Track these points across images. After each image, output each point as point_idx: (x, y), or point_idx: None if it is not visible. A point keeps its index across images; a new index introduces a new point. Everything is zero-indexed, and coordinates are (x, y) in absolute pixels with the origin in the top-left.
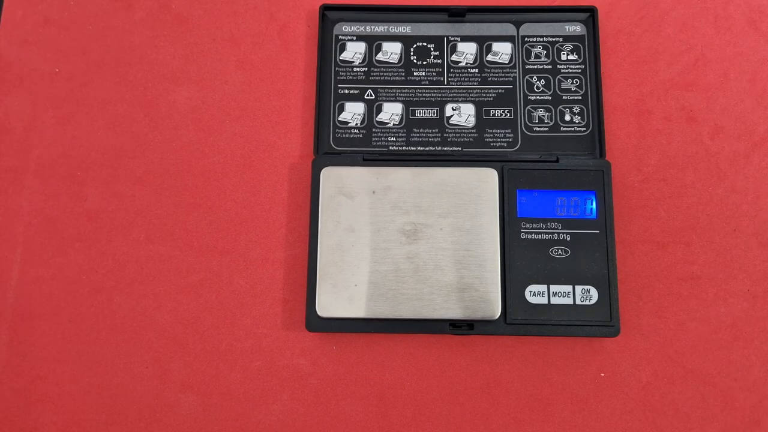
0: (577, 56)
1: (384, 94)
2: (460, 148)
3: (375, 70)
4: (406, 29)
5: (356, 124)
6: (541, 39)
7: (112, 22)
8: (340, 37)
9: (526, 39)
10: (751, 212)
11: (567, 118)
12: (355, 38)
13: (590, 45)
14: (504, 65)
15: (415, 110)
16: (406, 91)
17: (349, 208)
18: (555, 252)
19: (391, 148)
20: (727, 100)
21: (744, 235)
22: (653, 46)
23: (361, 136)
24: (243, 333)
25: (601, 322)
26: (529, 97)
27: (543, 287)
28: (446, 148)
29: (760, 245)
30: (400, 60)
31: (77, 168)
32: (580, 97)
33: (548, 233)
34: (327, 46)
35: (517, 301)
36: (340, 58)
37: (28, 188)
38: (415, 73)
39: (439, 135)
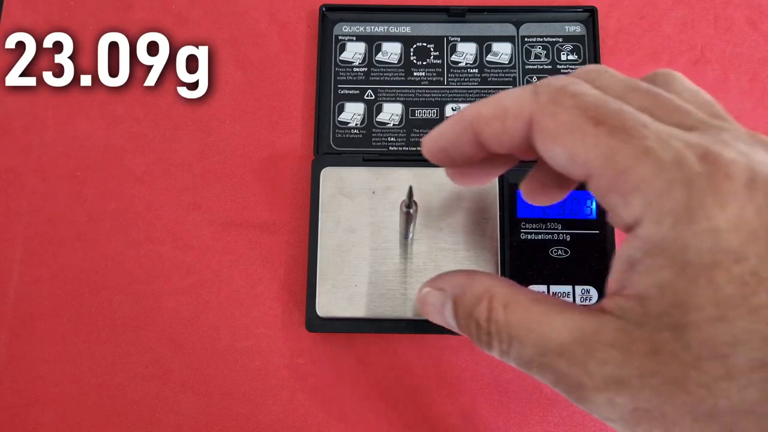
0: (577, 56)
1: (384, 95)
2: None
3: (375, 70)
4: (406, 29)
5: (356, 124)
6: (541, 39)
7: (112, 23)
8: (340, 38)
9: (526, 39)
10: None
11: None
12: (355, 38)
13: (590, 45)
14: (504, 65)
15: (415, 110)
16: (406, 91)
17: (349, 208)
18: (555, 252)
19: (391, 148)
20: (727, 100)
21: None
22: (653, 46)
23: (361, 136)
24: (243, 333)
25: None
26: None
27: (543, 287)
28: None
29: None
30: (399, 60)
31: (77, 168)
32: None
33: (548, 233)
34: (327, 46)
35: None
36: (340, 58)
37: (28, 188)
38: (415, 74)
39: None
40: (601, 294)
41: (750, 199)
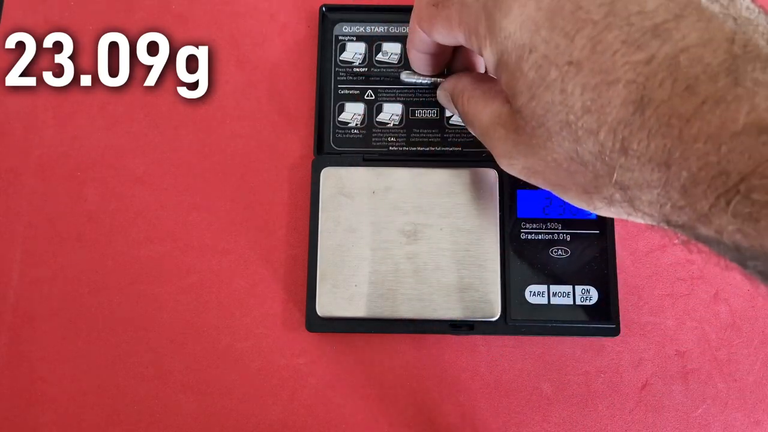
0: None
1: (384, 95)
2: (460, 148)
3: (375, 70)
4: (406, 29)
5: (356, 124)
6: None
7: (112, 23)
8: (340, 38)
9: None
10: None
11: None
12: (355, 38)
13: None
14: None
15: (415, 110)
16: (406, 91)
17: (349, 208)
18: (555, 252)
19: (391, 148)
20: None
21: None
22: None
23: (361, 136)
24: (243, 333)
25: (601, 322)
26: None
27: (543, 287)
28: (446, 149)
29: None
30: (400, 60)
31: (77, 168)
32: None
33: (548, 233)
34: (327, 46)
35: (518, 302)
36: (340, 58)
37: (28, 188)
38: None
39: (439, 135)
40: (601, 293)
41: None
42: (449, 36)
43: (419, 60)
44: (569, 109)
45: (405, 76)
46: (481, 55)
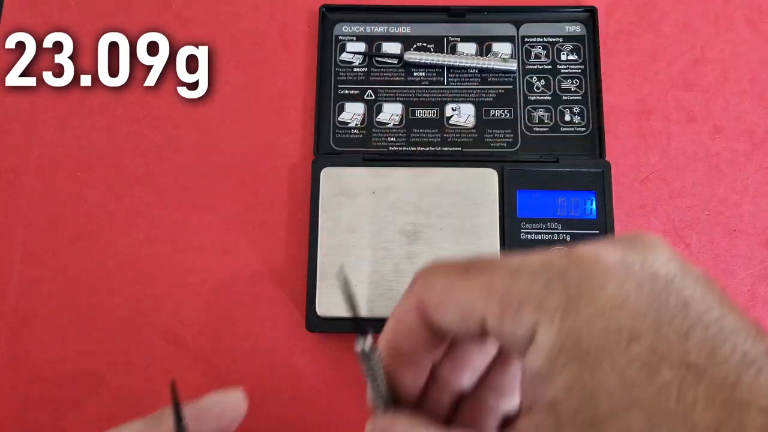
0: (576, 56)
1: (384, 95)
2: (460, 149)
3: (375, 70)
4: (405, 29)
5: (356, 124)
6: (541, 39)
7: (112, 23)
8: (340, 38)
9: (526, 39)
10: (751, 212)
11: (567, 118)
12: (355, 38)
13: (590, 45)
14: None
15: (415, 110)
16: (406, 91)
17: (349, 208)
18: None
19: (391, 148)
20: (727, 100)
21: (744, 235)
22: (653, 46)
23: (361, 136)
24: (243, 333)
25: None
26: (528, 98)
27: None
28: (446, 149)
29: (760, 245)
30: (399, 60)
31: (77, 168)
32: (579, 98)
33: (548, 233)
34: (327, 46)
35: None
36: (340, 58)
37: (28, 188)
38: (414, 74)
39: (439, 135)
40: None
41: (627, 275)
42: (463, 316)
43: (397, 361)
44: (691, 425)
45: (408, 55)
46: (518, 341)
